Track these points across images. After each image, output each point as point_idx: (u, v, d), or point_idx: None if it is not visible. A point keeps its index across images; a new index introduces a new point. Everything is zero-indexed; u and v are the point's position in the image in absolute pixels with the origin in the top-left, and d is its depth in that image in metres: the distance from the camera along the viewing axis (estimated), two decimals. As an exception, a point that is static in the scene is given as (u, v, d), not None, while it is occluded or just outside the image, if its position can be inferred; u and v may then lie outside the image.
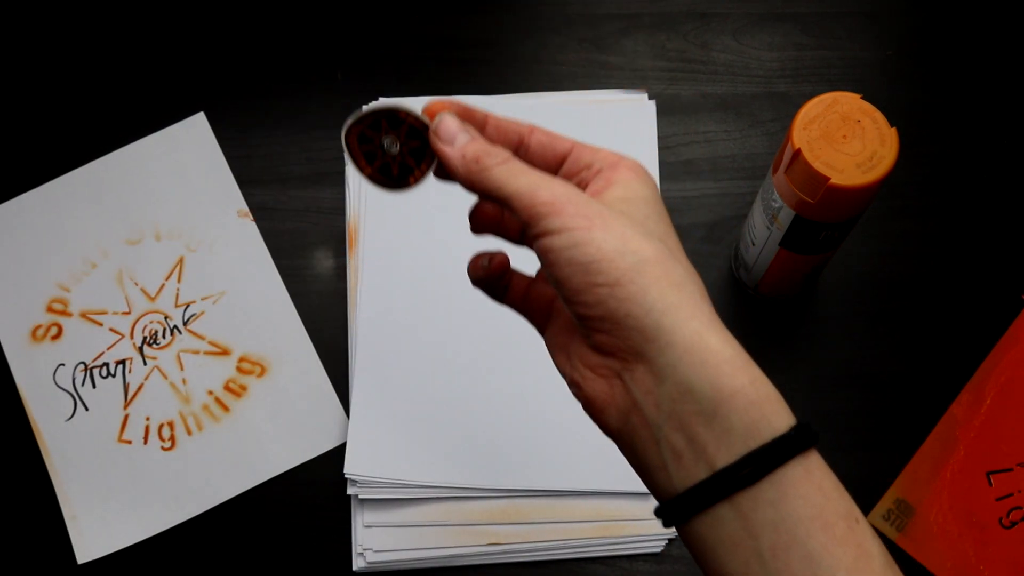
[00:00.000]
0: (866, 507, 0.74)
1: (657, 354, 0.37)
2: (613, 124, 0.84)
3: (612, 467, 0.72)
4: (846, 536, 0.35)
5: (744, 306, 0.80)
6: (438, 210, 0.81)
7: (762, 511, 0.36)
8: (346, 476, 0.72)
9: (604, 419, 0.41)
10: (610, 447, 0.58)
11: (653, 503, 0.43)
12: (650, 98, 0.84)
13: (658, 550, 0.73)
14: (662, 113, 0.84)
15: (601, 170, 0.43)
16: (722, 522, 0.36)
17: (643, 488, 0.48)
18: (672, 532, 0.72)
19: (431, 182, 0.49)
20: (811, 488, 0.36)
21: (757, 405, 0.37)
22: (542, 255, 0.40)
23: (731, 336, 0.39)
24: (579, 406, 0.44)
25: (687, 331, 0.37)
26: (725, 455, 0.36)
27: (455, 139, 0.43)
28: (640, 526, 0.72)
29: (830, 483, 0.37)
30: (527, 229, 0.40)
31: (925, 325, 0.79)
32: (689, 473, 0.37)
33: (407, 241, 0.80)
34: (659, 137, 0.83)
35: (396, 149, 0.46)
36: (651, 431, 0.38)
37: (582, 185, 0.43)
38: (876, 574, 0.35)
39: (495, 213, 0.48)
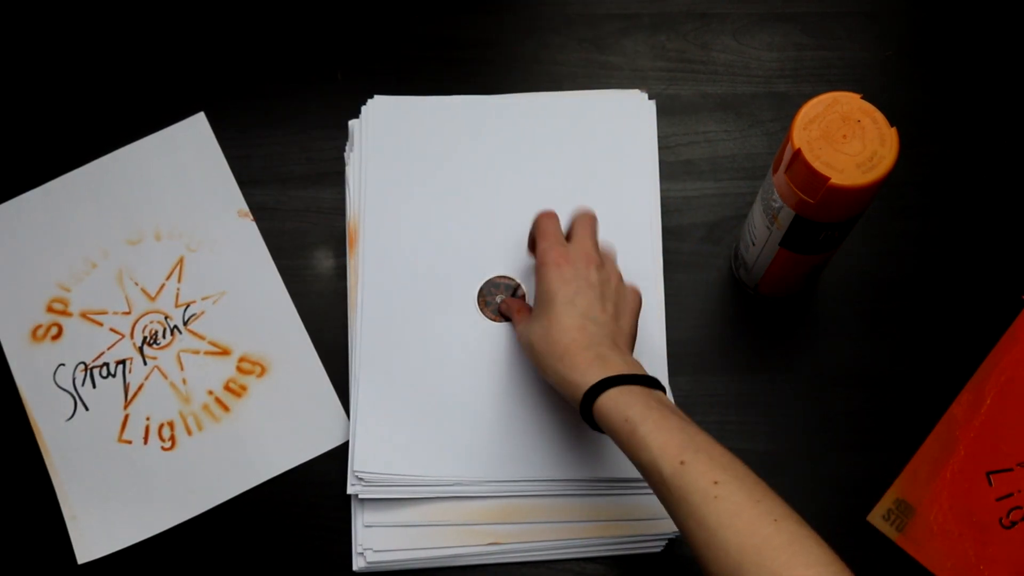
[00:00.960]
0: (866, 507, 0.74)
1: (554, 385, 0.68)
2: (613, 124, 0.83)
3: (612, 455, 0.72)
4: (623, 428, 0.60)
5: (744, 306, 0.80)
6: (438, 209, 0.81)
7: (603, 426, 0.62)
8: (355, 473, 0.72)
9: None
10: (608, 439, 0.67)
11: (652, 504, 0.62)
12: (650, 98, 0.84)
13: (658, 550, 0.73)
14: (662, 113, 0.84)
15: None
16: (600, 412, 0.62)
17: (638, 478, 0.65)
18: (672, 532, 0.72)
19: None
20: (603, 417, 0.62)
21: (576, 392, 0.64)
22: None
23: (589, 365, 0.64)
24: None
25: (565, 379, 0.65)
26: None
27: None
28: (640, 526, 0.72)
29: (612, 406, 0.61)
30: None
31: (925, 325, 0.79)
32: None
33: (407, 240, 0.80)
34: (659, 137, 0.83)
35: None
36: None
37: None
38: (637, 436, 0.59)
39: None
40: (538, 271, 0.69)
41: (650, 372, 0.72)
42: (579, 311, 0.66)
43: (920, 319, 0.79)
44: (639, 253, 0.79)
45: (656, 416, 0.59)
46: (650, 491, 0.72)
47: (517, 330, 0.72)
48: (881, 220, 0.81)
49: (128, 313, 0.80)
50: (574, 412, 0.69)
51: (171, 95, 0.86)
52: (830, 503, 0.74)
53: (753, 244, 0.74)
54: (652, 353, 0.76)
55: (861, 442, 0.76)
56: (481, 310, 0.78)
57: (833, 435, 0.76)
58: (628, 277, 0.78)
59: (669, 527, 0.72)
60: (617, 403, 0.61)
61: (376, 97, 0.83)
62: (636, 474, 0.72)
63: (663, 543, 0.72)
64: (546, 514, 0.73)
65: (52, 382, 0.78)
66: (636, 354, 0.70)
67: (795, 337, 0.79)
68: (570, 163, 0.82)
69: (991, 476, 0.73)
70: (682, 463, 0.57)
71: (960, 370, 0.77)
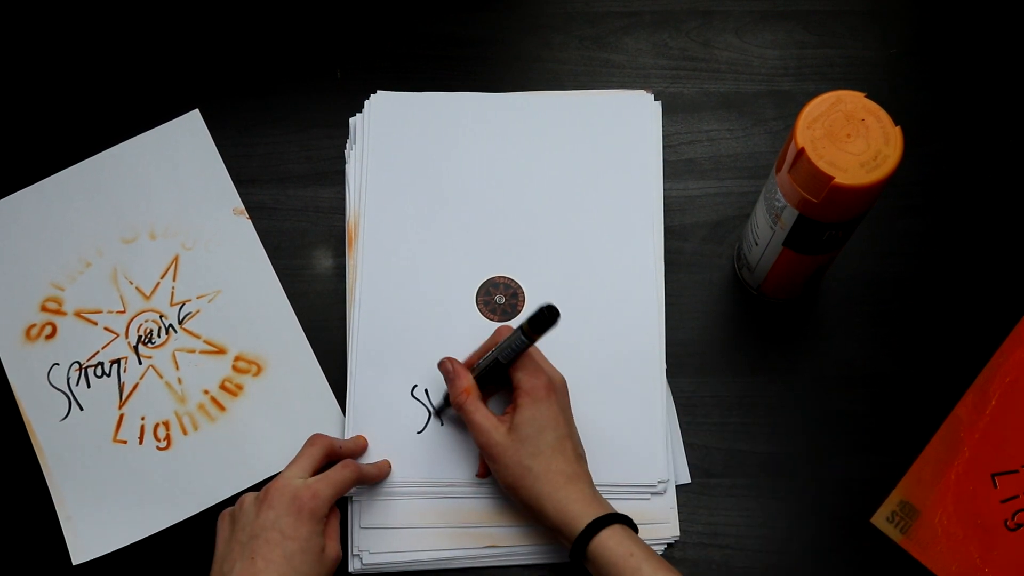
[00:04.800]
0: (869, 509, 0.73)
1: (536, 513, 0.68)
2: (618, 124, 0.83)
3: (609, 460, 0.72)
4: (625, 564, 0.63)
5: (747, 306, 0.80)
6: (438, 208, 0.80)
7: (592, 568, 0.66)
8: None
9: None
10: (607, 441, 0.73)
11: (651, 508, 0.72)
12: (656, 99, 0.84)
13: (658, 553, 0.72)
14: (664, 112, 0.84)
15: (519, 401, 0.69)
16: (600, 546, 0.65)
17: (638, 482, 0.72)
18: (671, 537, 0.72)
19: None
20: (603, 550, 0.64)
21: (573, 526, 0.66)
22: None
23: (565, 489, 0.67)
24: (577, 402, 0.72)
25: (540, 504, 0.67)
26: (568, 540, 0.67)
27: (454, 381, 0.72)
28: (641, 530, 0.71)
29: (615, 542, 0.64)
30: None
31: (929, 326, 0.78)
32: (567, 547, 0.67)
33: (406, 240, 0.79)
34: (662, 136, 0.83)
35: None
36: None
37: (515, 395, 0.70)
38: (641, 573, 0.63)
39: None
40: (533, 403, 0.68)
41: (647, 374, 0.73)
42: (574, 443, 0.69)
43: (924, 320, 0.79)
44: (641, 253, 0.79)
45: (656, 558, 0.64)
46: (648, 497, 0.72)
47: (492, 439, 0.68)
48: (885, 220, 0.80)
49: (123, 312, 0.79)
50: (575, 413, 0.69)
51: (167, 92, 0.86)
52: (833, 505, 0.74)
53: (756, 244, 0.73)
54: (650, 354, 0.76)
55: (864, 444, 0.75)
56: (480, 310, 0.77)
57: (836, 437, 0.76)
58: (629, 277, 0.78)
59: (668, 532, 0.72)
60: (621, 539, 0.64)
61: (379, 92, 0.83)
62: (635, 479, 0.72)
63: (662, 548, 0.72)
64: (544, 517, 0.72)
65: (46, 382, 0.78)
66: (632, 355, 0.70)
67: (798, 338, 0.79)
68: (572, 162, 0.82)
69: (996, 478, 0.73)
70: None
71: (964, 371, 0.77)
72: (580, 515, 0.65)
